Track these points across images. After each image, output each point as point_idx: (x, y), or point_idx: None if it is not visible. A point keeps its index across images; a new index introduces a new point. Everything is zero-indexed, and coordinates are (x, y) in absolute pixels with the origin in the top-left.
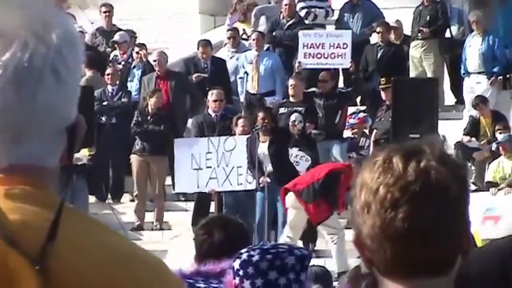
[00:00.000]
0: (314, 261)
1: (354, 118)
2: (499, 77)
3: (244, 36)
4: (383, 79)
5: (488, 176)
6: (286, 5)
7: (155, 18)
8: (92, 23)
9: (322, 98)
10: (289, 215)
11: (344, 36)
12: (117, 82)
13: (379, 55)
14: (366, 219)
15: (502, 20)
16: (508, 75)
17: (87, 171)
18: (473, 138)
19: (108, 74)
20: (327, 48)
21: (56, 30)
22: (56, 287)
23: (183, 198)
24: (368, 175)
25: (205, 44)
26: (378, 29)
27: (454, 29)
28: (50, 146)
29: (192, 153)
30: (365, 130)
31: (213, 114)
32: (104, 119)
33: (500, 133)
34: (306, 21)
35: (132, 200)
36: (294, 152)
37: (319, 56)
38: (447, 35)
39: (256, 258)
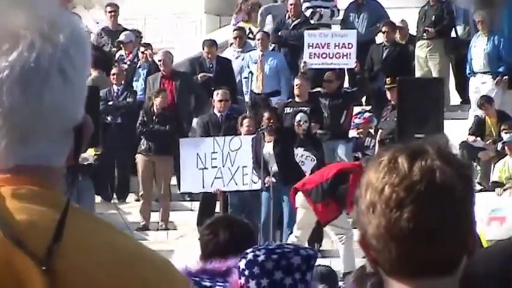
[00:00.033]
0: (320, 261)
1: (359, 118)
2: (505, 77)
3: (250, 36)
4: (388, 79)
5: (494, 176)
6: (291, 4)
7: (161, 18)
8: (97, 23)
9: (327, 98)
10: (299, 214)
11: (349, 36)
12: (123, 82)
13: (384, 55)
14: (371, 219)
15: (507, 20)
16: None
17: (93, 171)
18: (479, 138)
19: (113, 74)
20: (332, 48)
21: (63, 30)
22: (62, 287)
23: (188, 198)
24: (373, 175)
25: (211, 43)
26: (383, 29)
27: (460, 29)
28: (57, 146)
29: (198, 153)
30: (370, 130)
31: (218, 114)
32: (109, 118)
33: (506, 133)
34: (312, 21)
35: (138, 200)
36: (299, 152)
37: (324, 56)
38: (453, 35)
39: (261, 258)
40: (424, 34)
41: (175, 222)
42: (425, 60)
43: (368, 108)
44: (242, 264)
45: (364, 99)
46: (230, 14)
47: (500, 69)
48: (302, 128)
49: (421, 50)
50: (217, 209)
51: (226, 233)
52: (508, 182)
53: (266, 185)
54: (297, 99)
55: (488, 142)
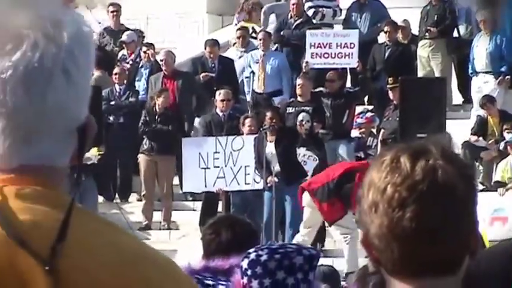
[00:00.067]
0: (322, 261)
1: (361, 118)
2: (507, 77)
3: (254, 35)
4: (390, 78)
5: (497, 176)
6: (293, 4)
7: (163, 17)
8: (100, 23)
9: (329, 98)
10: (305, 213)
11: (351, 36)
12: (125, 82)
13: (386, 54)
14: (373, 219)
15: (509, 19)
16: None
17: (95, 170)
18: (481, 138)
19: (115, 74)
20: (334, 48)
21: (66, 30)
22: (65, 287)
23: (190, 198)
24: (376, 174)
25: (213, 43)
26: (385, 29)
27: (462, 28)
28: (61, 146)
29: (200, 152)
30: (372, 130)
31: (220, 114)
32: (111, 118)
33: (508, 132)
34: (314, 21)
35: (140, 200)
36: (301, 152)
37: (326, 55)
38: (455, 34)
39: (264, 257)
40: (426, 34)
41: (177, 222)
42: (428, 59)
43: (370, 108)
44: (245, 263)
45: (366, 98)
46: (232, 14)
47: (503, 69)
48: (304, 127)
49: (423, 50)
50: (220, 208)
51: (229, 232)
52: (511, 181)
53: (268, 185)
54: (299, 99)
55: (490, 142)
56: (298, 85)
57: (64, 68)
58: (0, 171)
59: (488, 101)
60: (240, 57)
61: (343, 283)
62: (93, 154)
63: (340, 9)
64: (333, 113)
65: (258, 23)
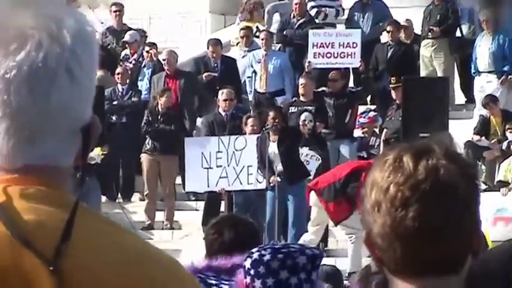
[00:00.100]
0: (325, 261)
1: (364, 117)
2: (509, 76)
3: (257, 34)
4: (393, 78)
5: (499, 176)
6: (296, 4)
7: (165, 17)
8: (102, 23)
9: (332, 97)
10: (313, 212)
11: (354, 36)
12: (127, 81)
13: (389, 54)
14: (376, 218)
15: None
16: None
17: (98, 170)
18: (484, 138)
19: (118, 73)
20: (336, 48)
21: (70, 30)
22: (70, 287)
23: (193, 198)
24: (378, 174)
25: (215, 43)
26: (388, 28)
27: (465, 28)
28: (65, 146)
29: (203, 152)
30: (375, 129)
31: (223, 114)
32: (114, 118)
33: (511, 132)
34: (317, 21)
35: (143, 200)
36: (304, 151)
37: (328, 55)
38: (457, 34)
39: (267, 257)
40: (429, 33)
41: (180, 221)
42: (430, 59)
43: (373, 107)
44: (248, 263)
45: (369, 98)
46: (235, 14)
47: (505, 69)
48: (307, 127)
49: (426, 49)
50: (222, 208)
51: (231, 232)
52: None
53: (271, 185)
54: (302, 98)
55: (493, 141)
56: (301, 85)
57: (68, 67)
58: (4, 171)
59: (490, 100)
60: (243, 56)
61: (346, 282)
62: (96, 154)
63: (343, 9)
64: (336, 113)
65: (261, 22)
